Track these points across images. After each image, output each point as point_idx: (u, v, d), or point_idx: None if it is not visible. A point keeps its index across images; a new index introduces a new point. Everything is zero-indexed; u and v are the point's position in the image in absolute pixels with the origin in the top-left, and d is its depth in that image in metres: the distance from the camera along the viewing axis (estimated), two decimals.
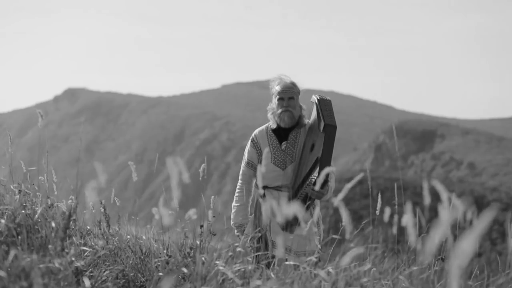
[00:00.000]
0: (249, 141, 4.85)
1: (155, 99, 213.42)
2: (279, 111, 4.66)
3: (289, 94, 4.65)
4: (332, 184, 4.62)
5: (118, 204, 4.31)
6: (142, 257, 3.67)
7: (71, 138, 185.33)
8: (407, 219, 2.00)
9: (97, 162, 2.45)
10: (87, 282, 2.93)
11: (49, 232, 3.14)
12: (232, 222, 4.81)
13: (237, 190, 4.88)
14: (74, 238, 3.55)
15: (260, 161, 4.77)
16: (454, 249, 1.48)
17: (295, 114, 4.67)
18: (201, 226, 3.83)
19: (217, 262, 3.22)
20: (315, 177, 4.46)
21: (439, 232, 1.56)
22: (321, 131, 4.46)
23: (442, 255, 3.70)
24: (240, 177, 4.90)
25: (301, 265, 3.26)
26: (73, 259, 2.96)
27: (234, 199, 4.89)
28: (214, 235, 3.86)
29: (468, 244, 1.46)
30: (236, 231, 4.80)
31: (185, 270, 3.32)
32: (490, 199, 65.87)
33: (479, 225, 1.47)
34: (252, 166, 4.80)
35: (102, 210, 4.26)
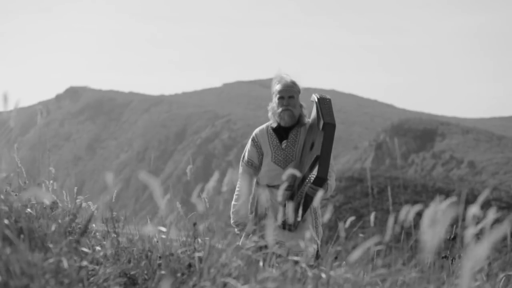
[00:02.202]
0: (250, 140, 4.87)
1: (157, 98, 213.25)
2: (279, 110, 4.68)
3: (289, 93, 4.67)
4: (332, 182, 4.64)
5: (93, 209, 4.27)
6: (143, 256, 3.68)
7: (73, 136, 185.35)
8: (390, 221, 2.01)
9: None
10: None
11: (51, 231, 3.15)
12: (232, 221, 4.83)
13: (236, 189, 4.90)
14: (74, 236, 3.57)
15: (260, 160, 4.79)
16: (467, 251, 1.49)
17: (295, 113, 4.69)
18: (194, 224, 3.84)
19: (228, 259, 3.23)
20: (314, 176, 4.48)
21: (437, 230, 1.57)
22: (321, 129, 4.49)
23: (447, 253, 3.71)
24: (239, 175, 4.91)
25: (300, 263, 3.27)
26: (79, 258, 2.98)
27: (234, 198, 4.91)
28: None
29: (483, 249, 1.46)
30: (236, 229, 4.82)
31: (191, 265, 3.34)
32: (490, 198, 65.83)
33: (497, 232, 1.47)
34: (252, 165, 4.82)
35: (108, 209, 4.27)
